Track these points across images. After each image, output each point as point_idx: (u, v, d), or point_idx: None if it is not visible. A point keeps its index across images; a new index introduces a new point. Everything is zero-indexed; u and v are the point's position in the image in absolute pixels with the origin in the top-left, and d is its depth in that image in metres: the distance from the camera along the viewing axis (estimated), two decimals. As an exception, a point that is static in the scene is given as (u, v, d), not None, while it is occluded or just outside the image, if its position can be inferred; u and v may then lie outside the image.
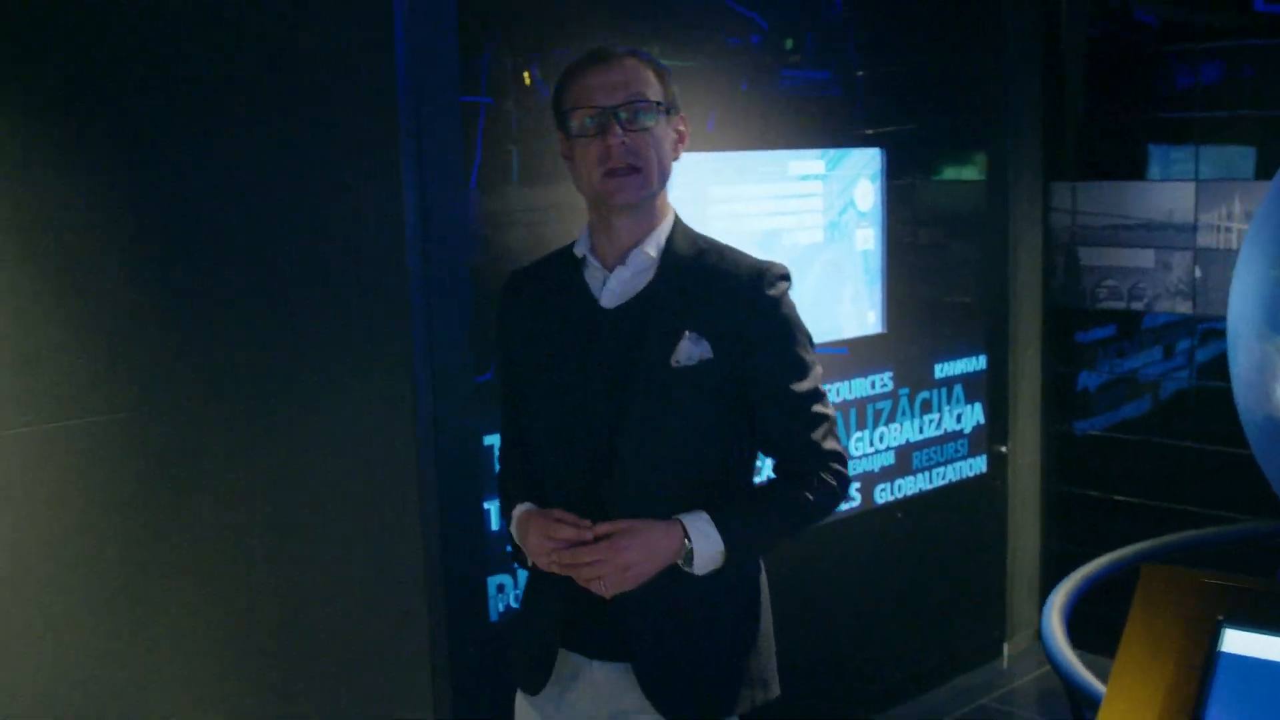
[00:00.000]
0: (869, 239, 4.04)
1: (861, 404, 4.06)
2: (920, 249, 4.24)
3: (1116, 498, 4.61)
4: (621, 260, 2.14)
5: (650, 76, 2.12)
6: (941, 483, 4.39)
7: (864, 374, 4.06)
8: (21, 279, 2.41)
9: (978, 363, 4.47)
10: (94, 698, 2.57)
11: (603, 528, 2.06)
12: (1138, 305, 4.47)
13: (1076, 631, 4.80)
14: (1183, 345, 4.40)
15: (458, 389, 3.02)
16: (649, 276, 2.14)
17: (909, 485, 4.27)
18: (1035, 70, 4.55)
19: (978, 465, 4.53)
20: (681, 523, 2.08)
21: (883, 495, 4.18)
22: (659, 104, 2.11)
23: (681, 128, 2.20)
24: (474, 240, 3.10)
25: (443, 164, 2.96)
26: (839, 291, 3.98)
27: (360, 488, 2.92)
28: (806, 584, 3.84)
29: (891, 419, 4.18)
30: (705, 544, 2.07)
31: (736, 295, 2.11)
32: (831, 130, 3.91)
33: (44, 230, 2.42)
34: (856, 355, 4.04)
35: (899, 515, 4.24)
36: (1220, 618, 1.78)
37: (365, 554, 2.94)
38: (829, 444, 2.17)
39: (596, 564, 2.04)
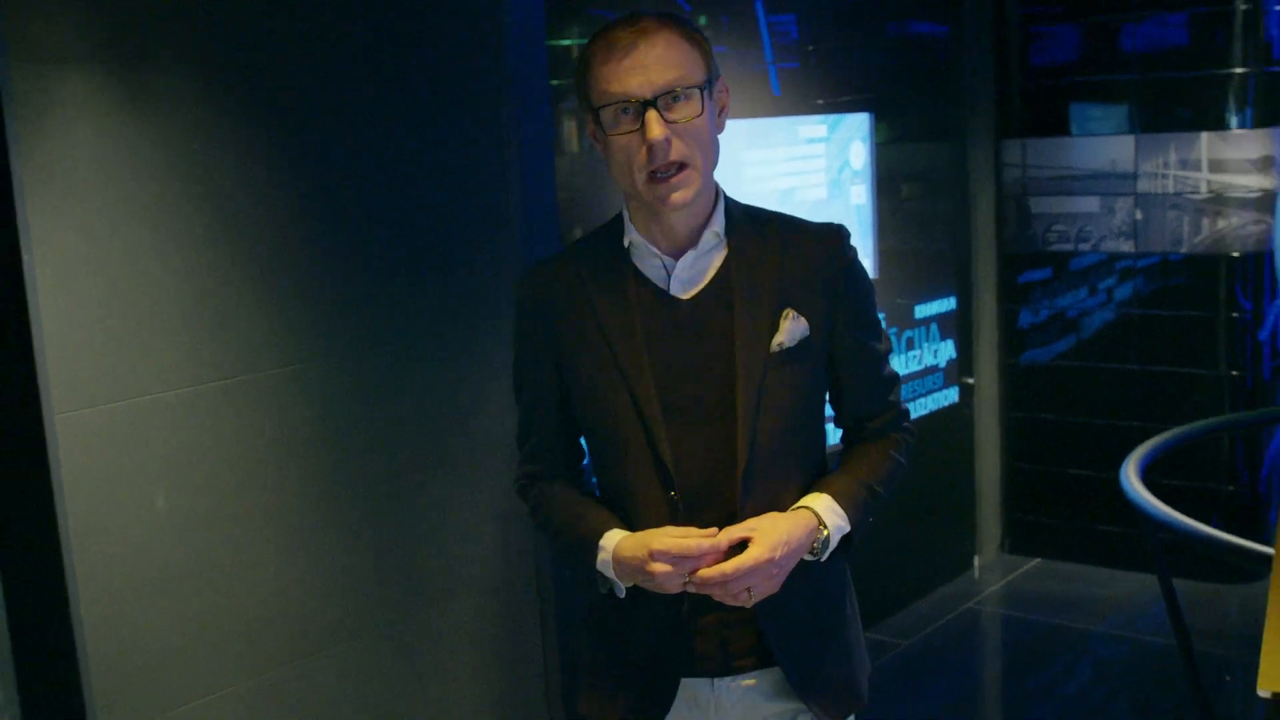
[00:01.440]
0: (861, 194, 4.49)
1: (859, 343, 4.52)
2: (900, 203, 4.71)
3: (1071, 418, 5.16)
4: (684, 245, 1.96)
5: (688, 50, 1.88)
6: (923, 413, 4.88)
7: (860, 316, 4.51)
8: (213, 253, 2.69)
9: (949, 303, 4.96)
10: (265, 616, 2.87)
11: (735, 531, 1.88)
12: (1084, 246, 5.02)
13: (1026, 541, 5.36)
14: (1126, 279, 4.96)
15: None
16: (716, 258, 1.98)
17: (899, 415, 4.74)
18: (987, 38, 5.04)
19: (950, 396, 5.03)
20: (812, 509, 1.96)
21: (879, 424, 4.66)
22: (701, 85, 1.88)
23: (724, 96, 1.99)
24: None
25: (538, 148, 3.30)
26: (839, 242, 4.43)
27: (474, 425, 3.25)
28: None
29: (883, 356, 4.64)
30: (836, 529, 1.96)
31: (820, 262, 1.98)
32: (827, 96, 4.34)
33: (231, 210, 2.71)
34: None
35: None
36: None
37: (476, 485, 3.27)
38: (901, 402, 2.13)
39: (749, 574, 1.85)
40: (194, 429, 2.70)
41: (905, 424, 2.13)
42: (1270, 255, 4.75)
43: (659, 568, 1.86)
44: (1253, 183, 4.66)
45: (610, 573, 1.96)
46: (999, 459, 5.37)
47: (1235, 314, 4.78)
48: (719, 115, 1.96)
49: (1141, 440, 4.91)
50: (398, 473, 3.09)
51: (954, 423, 5.09)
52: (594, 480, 2.14)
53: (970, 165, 5.04)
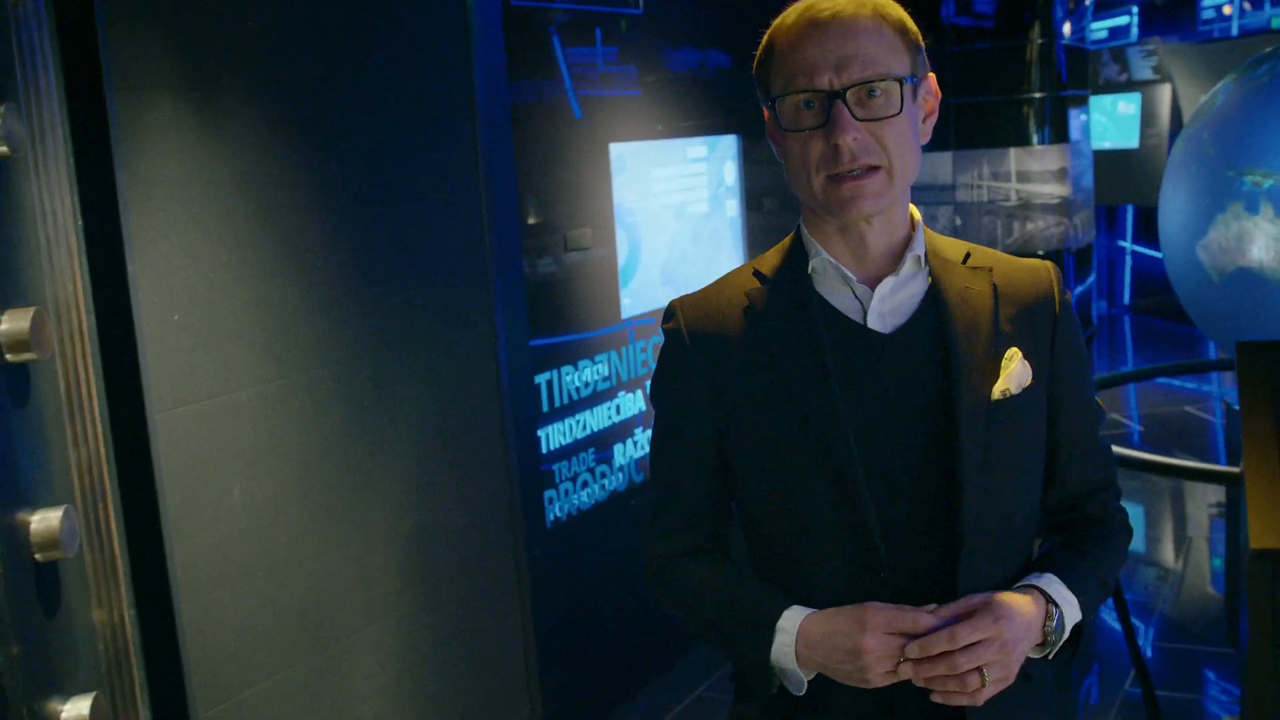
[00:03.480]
0: (733, 208, 5.00)
1: (737, 342, 5.01)
2: (763, 216, 5.24)
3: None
4: (881, 271, 1.67)
5: (891, 37, 1.60)
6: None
7: (737, 318, 5.01)
8: (273, 261, 2.94)
9: (800, 305, 5.53)
10: (314, 600, 3.10)
11: (956, 607, 1.57)
12: (911, 251, 5.69)
13: None
14: (948, 279, 5.65)
15: (520, 344, 3.72)
16: (918, 288, 1.66)
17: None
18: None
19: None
20: (1039, 589, 1.64)
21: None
22: (904, 79, 1.59)
23: (930, 99, 1.69)
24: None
25: (501, 163, 3.65)
26: (719, 250, 4.92)
27: (463, 420, 3.56)
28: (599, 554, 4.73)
29: (755, 353, 5.15)
30: (1068, 613, 1.66)
31: (1035, 301, 1.69)
32: (699, 120, 4.83)
33: (287, 222, 2.96)
34: (729, 303, 4.98)
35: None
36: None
37: (466, 473, 3.58)
38: (1116, 480, 1.83)
39: (982, 648, 1.54)
40: (261, 426, 2.93)
41: (1122, 509, 1.83)
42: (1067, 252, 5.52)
43: (872, 643, 1.55)
44: (1052, 191, 5.42)
45: (789, 660, 1.63)
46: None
47: (1041, 305, 5.53)
48: (923, 121, 1.69)
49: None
50: (399, 460, 3.37)
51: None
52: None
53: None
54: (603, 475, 4.16)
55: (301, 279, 3.02)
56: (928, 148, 5.12)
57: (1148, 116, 9.82)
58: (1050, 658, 1.69)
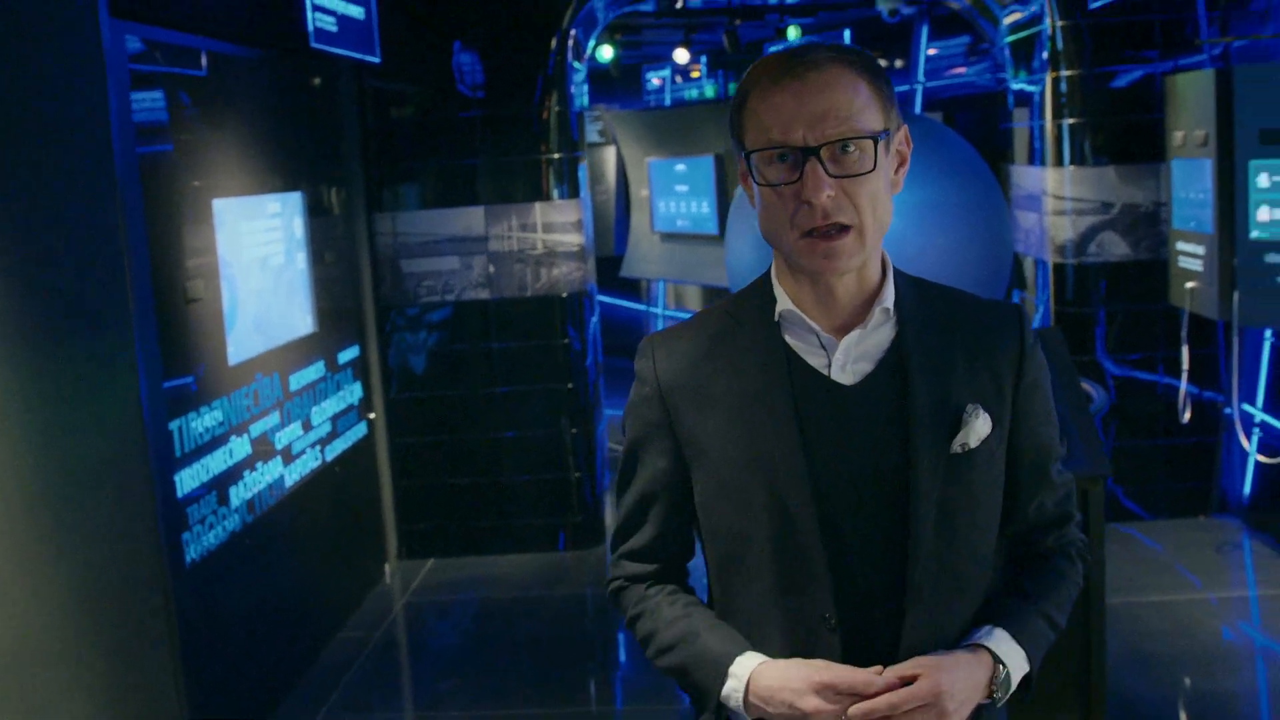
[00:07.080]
0: (302, 260, 5.29)
1: (311, 385, 5.29)
2: (325, 267, 5.55)
3: (449, 437, 6.29)
4: (848, 322, 1.70)
5: (864, 91, 1.59)
6: (345, 447, 5.72)
7: (309, 363, 5.29)
8: None
9: (356, 350, 5.87)
10: (21, 635, 3.14)
11: (902, 669, 1.61)
12: (450, 296, 6.20)
13: (420, 546, 6.32)
14: (485, 320, 6.21)
15: (157, 390, 3.86)
16: (884, 337, 1.70)
17: (340, 445, 5.57)
18: (355, 132, 6.05)
19: (362, 429, 5.93)
20: (987, 648, 1.69)
21: (331, 453, 5.45)
22: (876, 135, 1.59)
23: (904, 149, 1.69)
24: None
25: (134, 216, 3.79)
26: (294, 300, 5.19)
27: (107, 467, 3.65)
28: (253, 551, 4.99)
29: (326, 396, 5.45)
30: (1015, 668, 1.71)
31: (1001, 347, 1.73)
32: (274, 178, 5.09)
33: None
34: (301, 349, 5.25)
35: (337, 470, 5.52)
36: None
37: (111, 518, 3.67)
38: (1075, 511, 1.87)
39: (921, 712, 1.58)
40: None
41: (1081, 537, 1.89)
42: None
43: (816, 704, 1.60)
44: (572, 240, 6.16)
45: (738, 704, 1.68)
46: (391, 480, 6.35)
47: (566, 341, 6.24)
48: (896, 171, 1.68)
49: (510, 447, 6.16)
50: (67, 509, 3.44)
51: (364, 453, 6.00)
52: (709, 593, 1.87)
53: (356, 236, 6.01)
54: (223, 517, 4.33)
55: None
56: (452, 203, 5.65)
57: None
58: (999, 706, 1.72)
